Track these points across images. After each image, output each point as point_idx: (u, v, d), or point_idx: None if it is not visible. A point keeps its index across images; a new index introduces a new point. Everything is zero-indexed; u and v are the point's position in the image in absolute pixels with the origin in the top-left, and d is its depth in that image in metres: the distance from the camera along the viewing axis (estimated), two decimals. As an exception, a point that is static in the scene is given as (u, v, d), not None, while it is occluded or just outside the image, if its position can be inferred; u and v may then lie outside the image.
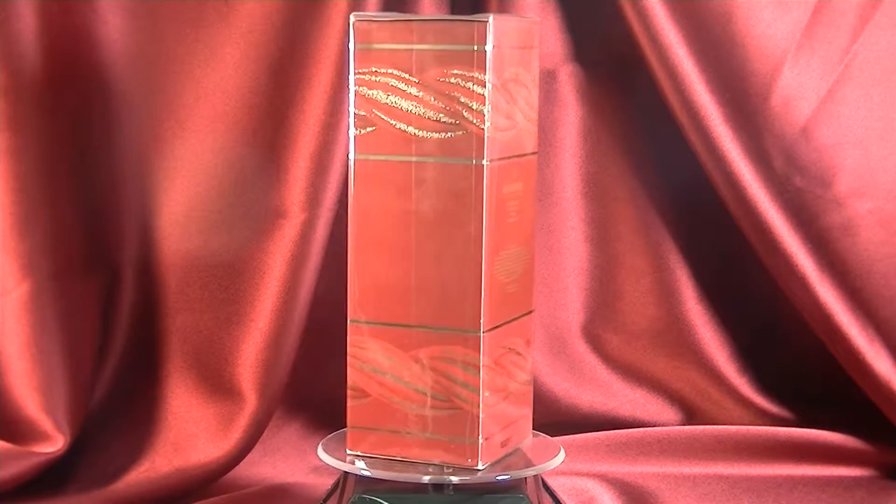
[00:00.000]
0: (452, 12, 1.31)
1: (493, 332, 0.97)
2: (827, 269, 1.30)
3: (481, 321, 0.96)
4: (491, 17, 0.94)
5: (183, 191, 1.29)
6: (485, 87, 0.94)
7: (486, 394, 0.97)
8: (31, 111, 1.24)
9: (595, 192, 1.39)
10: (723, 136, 1.29)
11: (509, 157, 0.98)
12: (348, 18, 1.21)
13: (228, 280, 1.29)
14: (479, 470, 0.98)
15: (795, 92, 1.29)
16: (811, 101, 1.30)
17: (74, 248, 1.28)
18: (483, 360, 0.96)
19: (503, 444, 1.01)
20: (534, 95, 1.01)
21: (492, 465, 0.99)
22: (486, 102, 0.94)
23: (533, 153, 1.02)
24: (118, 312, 1.32)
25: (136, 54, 1.28)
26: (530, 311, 1.03)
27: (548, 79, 1.36)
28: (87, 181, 1.29)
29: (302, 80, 1.26)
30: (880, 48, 1.30)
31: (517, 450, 1.04)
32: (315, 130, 1.26)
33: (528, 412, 1.05)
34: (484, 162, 0.95)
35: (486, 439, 0.98)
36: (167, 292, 1.30)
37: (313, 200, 1.26)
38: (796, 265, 1.29)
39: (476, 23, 0.94)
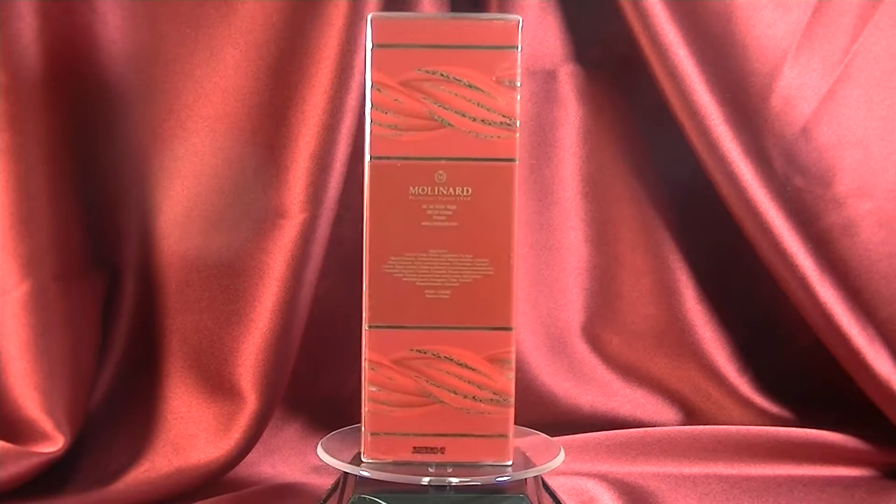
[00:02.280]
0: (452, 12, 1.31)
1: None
2: (827, 269, 1.30)
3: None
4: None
5: (183, 191, 1.29)
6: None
7: (374, 388, 0.98)
8: (31, 111, 1.24)
9: (595, 192, 1.39)
10: (723, 136, 1.29)
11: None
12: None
13: (228, 280, 1.29)
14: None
15: (795, 92, 1.30)
16: (811, 101, 1.30)
17: (75, 248, 1.29)
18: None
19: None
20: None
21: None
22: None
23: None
24: (118, 312, 1.32)
25: (136, 54, 1.28)
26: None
27: (548, 79, 1.36)
28: (87, 181, 1.29)
29: (302, 80, 1.26)
30: (880, 48, 1.30)
31: (517, 450, 1.04)
32: (315, 130, 1.26)
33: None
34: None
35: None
36: (167, 292, 1.30)
37: (313, 200, 1.26)
38: (796, 265, 1.29)
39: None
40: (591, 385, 1.38)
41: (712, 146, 1.29)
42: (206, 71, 1.28)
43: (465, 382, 0.98)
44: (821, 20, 1.30)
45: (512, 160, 0.96)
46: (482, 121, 0.96)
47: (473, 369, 0.98)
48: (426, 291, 0.98)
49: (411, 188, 0.97)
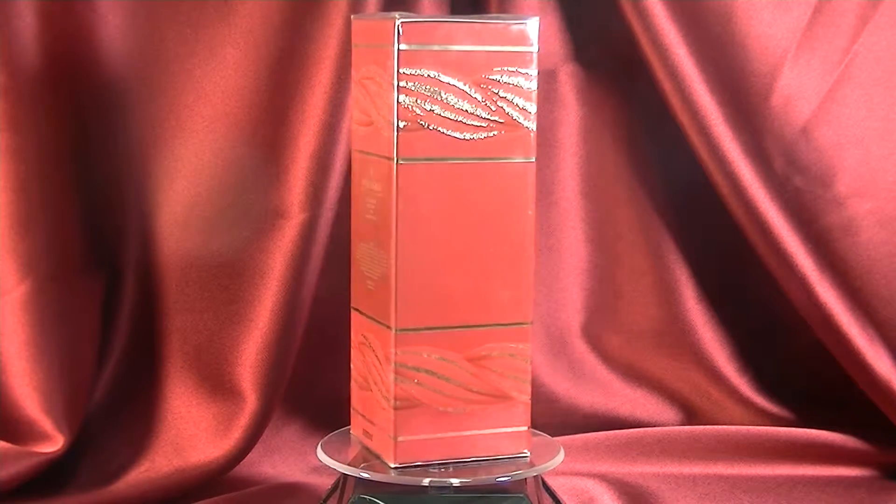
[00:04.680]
0: (452, 12, 1.31)
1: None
2: (827, 269, 1.30)
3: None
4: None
5: (183, 191, 1.29)
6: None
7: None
8: (31, 111, 1.24)
9: (595, 192, 1.39)
10: (723, 136, 1.29)
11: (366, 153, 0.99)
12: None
13: (228, 280, 1.29)
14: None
15: (795, 92, 1.30)
16: (811, 101, 1.30)
17: (74, 248, 1.28)
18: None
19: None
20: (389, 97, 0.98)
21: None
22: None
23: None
24: (118, 312, 1.32)
25: (136, 54, 1.28)
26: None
27: (548, 79, 1.36)
28: (87, 181, 1.29)
29: (302, 80, 1.26)
30: (880, 48, 1.30)
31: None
32: (315, 130, 1.26)
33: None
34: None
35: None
36: (167, 292, 1.30)
37: (313, 200, 1.26)
38: (796, 265, 1.29)
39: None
40: (591, 385, 1.38)
41: (712, 146, 1.29)
42: (206, 71, 1.28)
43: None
44: (821, 20, 1.30)
45: (390, 159, 0.96)
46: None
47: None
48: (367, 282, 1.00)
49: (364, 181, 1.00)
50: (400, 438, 0.98)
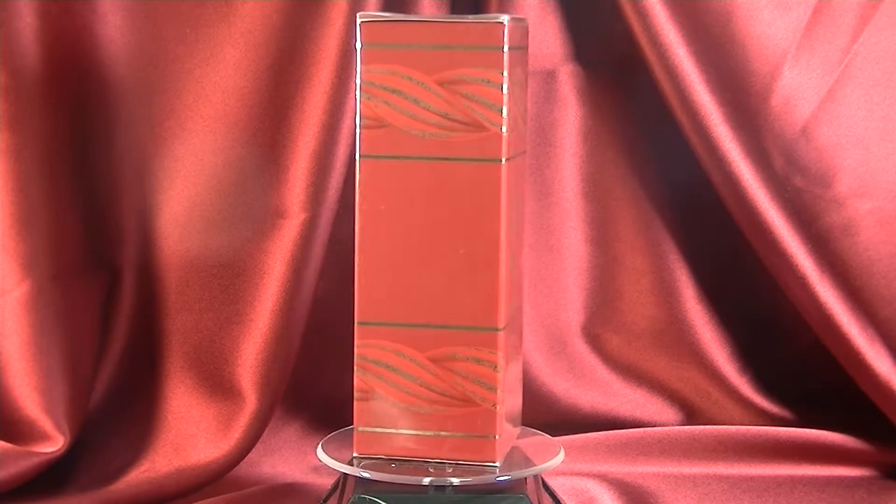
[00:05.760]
0: (452, 12, 1.31)
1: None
2: (827, 269, 1.30)
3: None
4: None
5: (183, 191, 1.29)
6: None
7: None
8: (31, 111, 1.24)
9: (595, 192, 1.39)
10: (723, 136, 1.29)
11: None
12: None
13: (228, 280, 1.29)
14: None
15: (795, 92, 1.29)
16: (811, 101, 1.30)
17: (74, 248, 1.28)
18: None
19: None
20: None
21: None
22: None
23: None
24: (118, 312, 1.32)
25: (136, 54, 1.28)
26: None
27: (548, 79, 1.36)
28: (87, 181, 1.29)
29: (302, 80, 1.26)
30: (880, 48, 1.30)
31: (517, 449, 1.04)
32: (315, 130, 1.26)
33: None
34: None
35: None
36: (167, 292, 1.30)
37: (313, 200, 1.26)
38: (796, 265, 1.29)
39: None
40: (591, 385, 1.38)
41: (712, 146, 1.29)
42: (206, 71, 1.28)
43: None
44: (821, 20, 1.30)
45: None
46: None
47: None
48: None
49: None
50: (360, 429, 1.00)
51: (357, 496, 0.99)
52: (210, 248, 1.30)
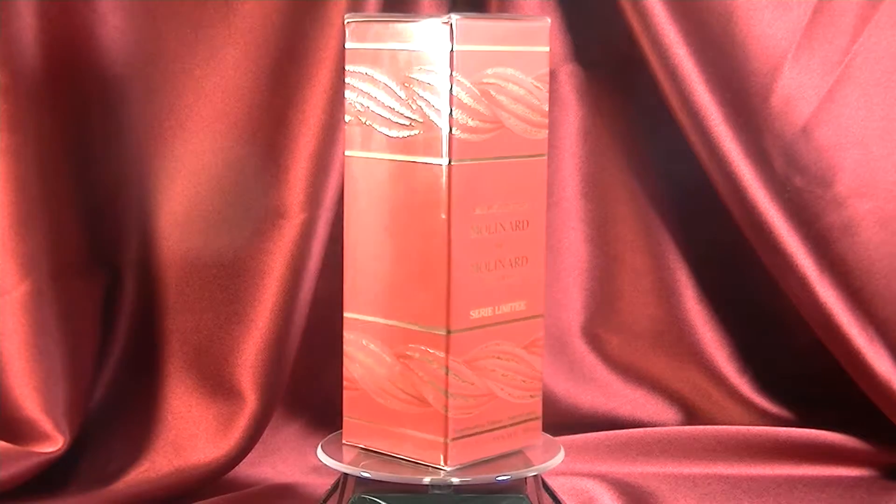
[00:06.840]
0: (451, 12, 1.31)
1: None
2: (827, 269, 1.30)
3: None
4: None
5: (183, 191, 1.29)
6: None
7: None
8: (31, 111, 1.24)
9: (595, 192, 1.39)
10: (723, 136, 1.29)
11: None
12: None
13: (228, 280, 1.29)
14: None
15: (795, 92, 1.30)
16: (811, 101, 1.30)
17: (74, 248, 1.29)
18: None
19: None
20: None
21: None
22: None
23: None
24: (118, 312, 1.32)
25: (136, 54, 1.28)
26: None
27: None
28: (86, 181, 1.29)
29: (302, 80, 1.26)
30: (880, 48, 1.30)
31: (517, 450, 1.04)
32: (315, 130, 1.26)
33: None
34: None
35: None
36: (167, 292, 1.30)
37: (313, 200, 1.26)
38: (796, 265, 1.29)
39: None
40: (591, 385, 1.38)
41: (712, 146, 1.29)
42: (206, 71, 1.28)
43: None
44: (821, 20, 1.30)
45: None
46: None
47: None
48: None
49: None
50: (346, 418, 1.02)
51: (357, 496, 0.98)
52: (210, 248, 1.30)
